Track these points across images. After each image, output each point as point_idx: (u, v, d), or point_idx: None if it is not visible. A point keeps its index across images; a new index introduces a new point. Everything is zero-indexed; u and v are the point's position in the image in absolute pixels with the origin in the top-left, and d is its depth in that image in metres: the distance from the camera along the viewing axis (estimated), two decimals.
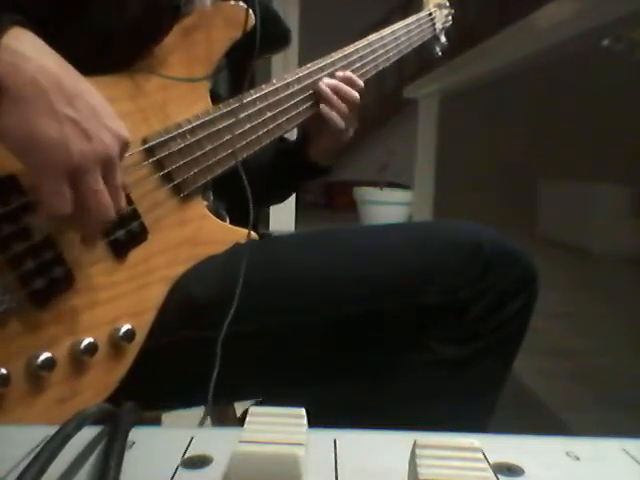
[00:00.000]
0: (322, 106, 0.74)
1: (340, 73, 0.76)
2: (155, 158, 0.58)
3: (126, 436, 0.27)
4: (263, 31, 0.65)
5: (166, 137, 0.58)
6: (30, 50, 0.44)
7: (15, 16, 0.45)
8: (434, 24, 1.02)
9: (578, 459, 0.27)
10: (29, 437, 0.28)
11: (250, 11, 0.65)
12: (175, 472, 0.25)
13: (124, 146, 0.49)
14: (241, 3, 0.65)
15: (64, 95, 0.45)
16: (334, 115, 0.74)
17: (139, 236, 0.56)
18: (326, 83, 0.74)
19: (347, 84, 0.76)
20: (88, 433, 0.28)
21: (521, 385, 1.58)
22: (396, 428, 0.30)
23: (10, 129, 0.43)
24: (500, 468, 0.26)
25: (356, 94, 0.76)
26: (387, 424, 0.30)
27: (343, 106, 0.74)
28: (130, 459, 0.26)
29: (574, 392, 1.62)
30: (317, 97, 0.74)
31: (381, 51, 0.85)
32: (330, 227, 0.66)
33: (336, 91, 0.75)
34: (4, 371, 0.45)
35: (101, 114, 0.47)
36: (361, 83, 0.78)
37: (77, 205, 0.45)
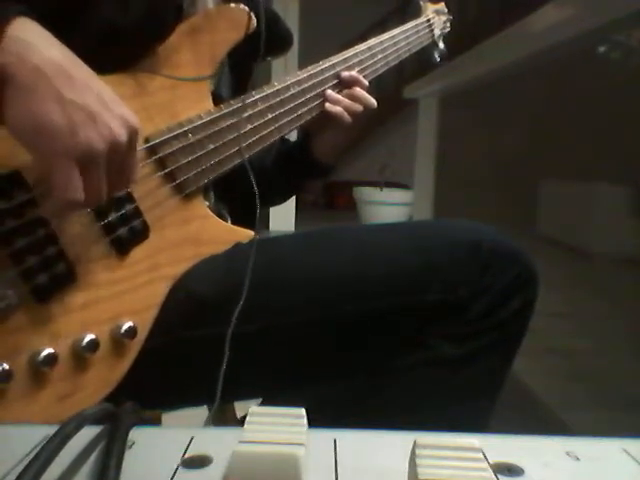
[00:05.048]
0: (327, 105, 0.75)
1: (346, 73, 0.77)
2: (157, 156, 0.58)
3: (126, 436, 0.27)
4: (266, 34, 0.66)
5: (168, 136, 0.59)
6: (35, 40, 0.44)
7: (20, 7, 0.45)
8: (432, 30, 1.02)
9: (578, 459, 0.27)
10: (29, 437, 0.28)
11: (252, 14, 0.65)
12: (175, 472, 0.25)
13: (133, 132, 0.48)
14: (242, 5, 0.65)
15: (69, 82, 0.44)
16: (338, 109, 0.75)
17: (141, 234, 0.56)
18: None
19: (352, 84, 0.77)
20: (88, 433, 0.28)
21: (521, 385, 1.58)
22: (396, 428, 0.30)
23: (17, 117, 0.43)
24: (500, 468, 0.26)
25: (361, 92, 0.77)
26: (387, 423, 0.30)
27: (348, 102, 0.76)
28: (130, 459, 0.26)
29: (574, 392, 1.62)
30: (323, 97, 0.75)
31: (380, 56, 0.86)
32: (330, 226, 0.66)
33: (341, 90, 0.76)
34: (6, 366, 0.45)
35: (108, 101, 0.46)
36: (364, 82, 0.79)
37: None
